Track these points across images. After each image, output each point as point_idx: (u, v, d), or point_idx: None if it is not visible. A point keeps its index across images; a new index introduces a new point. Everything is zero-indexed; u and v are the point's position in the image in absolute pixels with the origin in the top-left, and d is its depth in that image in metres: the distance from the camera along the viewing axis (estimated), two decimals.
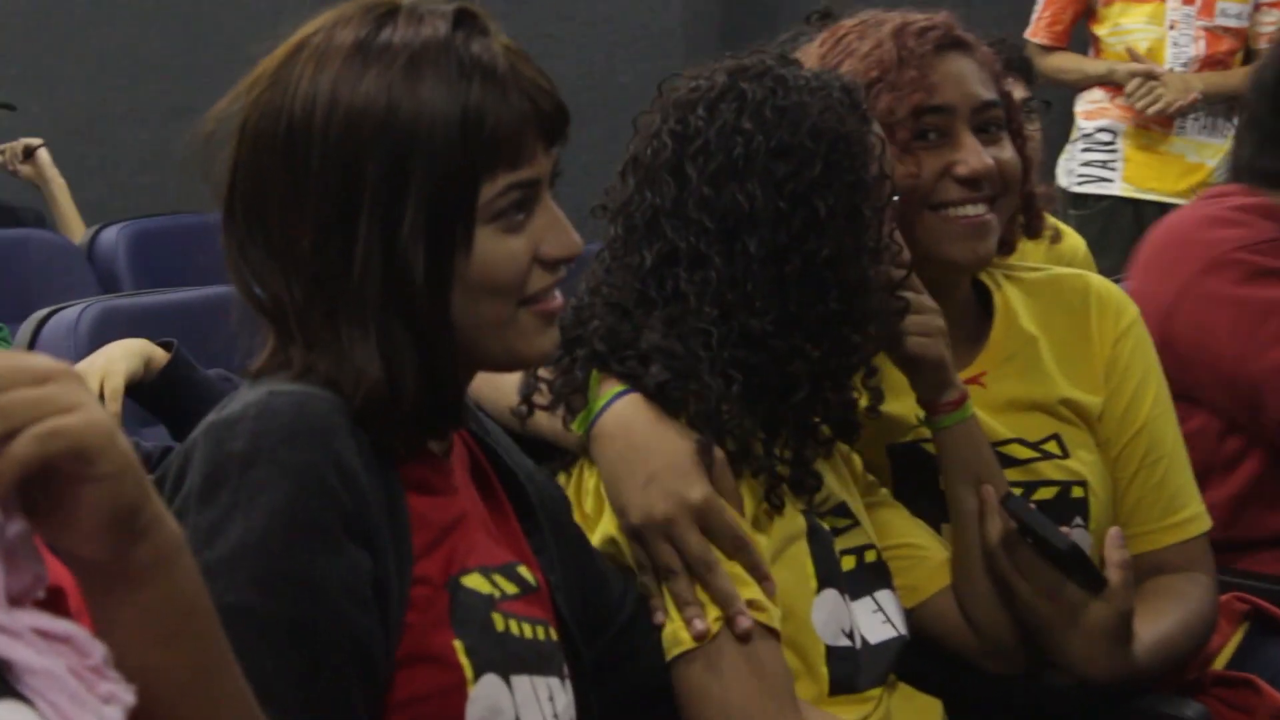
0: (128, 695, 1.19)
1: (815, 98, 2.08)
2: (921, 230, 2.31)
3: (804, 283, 2.04)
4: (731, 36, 6.18)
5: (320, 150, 1.63)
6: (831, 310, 2.06)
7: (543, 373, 2.07)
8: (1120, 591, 2.19)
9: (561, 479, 2.07)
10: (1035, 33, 5.64)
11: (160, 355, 2.67)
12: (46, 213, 5.54)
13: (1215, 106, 5.37)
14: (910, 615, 2.25)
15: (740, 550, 1.96)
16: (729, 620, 1.93)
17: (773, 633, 1.96)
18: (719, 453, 1.99)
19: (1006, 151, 2.37)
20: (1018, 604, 2.22)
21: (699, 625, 1.94)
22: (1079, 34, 5.64)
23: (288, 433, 1.58)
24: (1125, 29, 5.50)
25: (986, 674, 2.29)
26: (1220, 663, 2.53)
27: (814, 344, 2.06)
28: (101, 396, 2.60)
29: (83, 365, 2.62)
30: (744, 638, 1.93)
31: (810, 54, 2.34)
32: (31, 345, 3.03)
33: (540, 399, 2.06)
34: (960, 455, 2.26)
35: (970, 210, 2.33)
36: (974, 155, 2.31)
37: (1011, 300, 2.47)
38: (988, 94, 2.35)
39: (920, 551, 2.29)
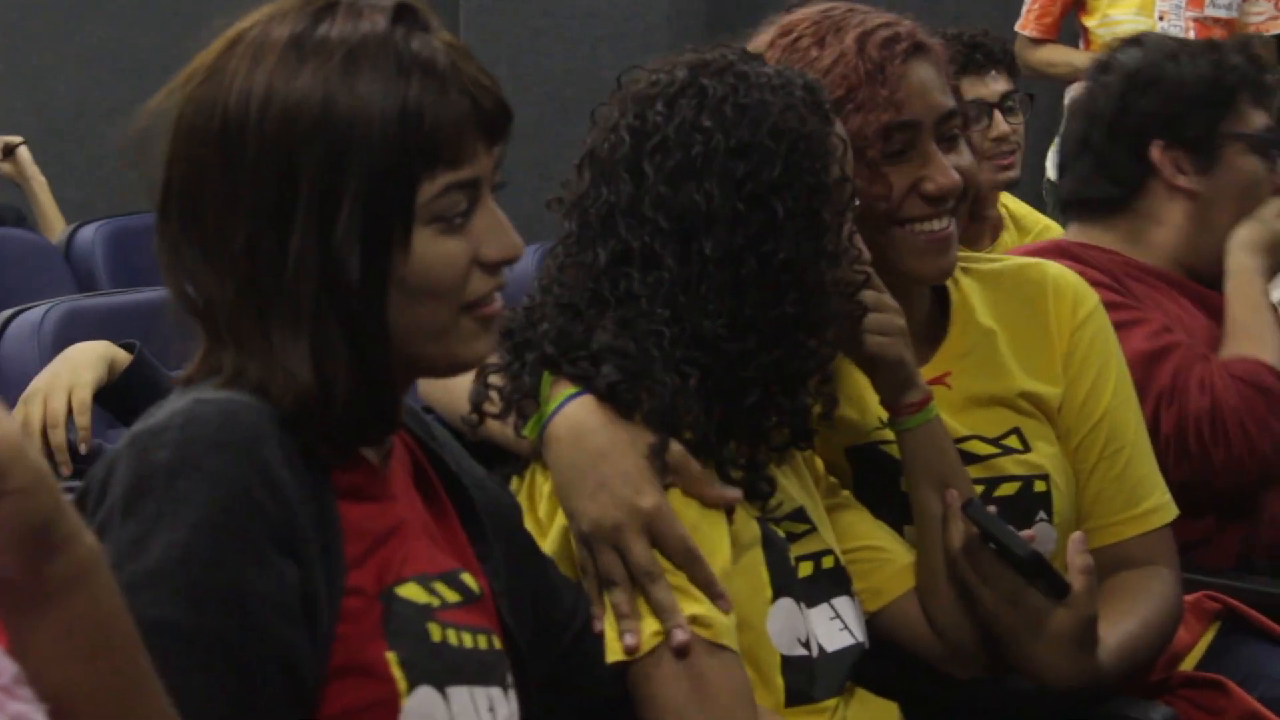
0: (38, 716, 1.17)
1: (777, 96, 2.03)
2: (886, 244, 2.27)
3: (761, 285, 2.00)
4: (717, 30, 6.13)
5: (255, 146, 1.59)
6: (788, 314, 2.02)
7: (493, 379, 2.03)
8: (1083, 597, 2.16)
9: (515, 484, 2.04)
10: (1025, 25, 5.62)
11: (123, 357, 2.64)
12: (28, 212, 5.51)
13: None
14: (873, 619, 2.22)
15: (691, 562, 1.93)
16: (666, 634, 1.90)
17: (722, 648, 1.92)
18: (676, 444, 1.96)
19: (965, 157, 2.33)
20: (980, 611, 2.19)
21: (630, 640, 1.91)
22: (1068, 26, 5.63)
23: (213, 442, 1.54)
24: (1114, 20, 5.48)
25: (949, 678, 2.25)
26: (1190, 663, 2.51)
27: (769, 348, 2.02)
28: (70, 410, 2.59)
29: (48, 377, 2.60)
30: (680, 652, 1.90)
31: (761, 50, 2.29)
32: None
33: (491, 407, 2.03)
34: (924, 457, 2.22)
35: (935, 225, 2.29)
36: (942, 173, 2.27)
37: (968, 294, 2.44)
38: (949, 101, 2.30)
39: (883, 554, 2.26)
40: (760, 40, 2.31)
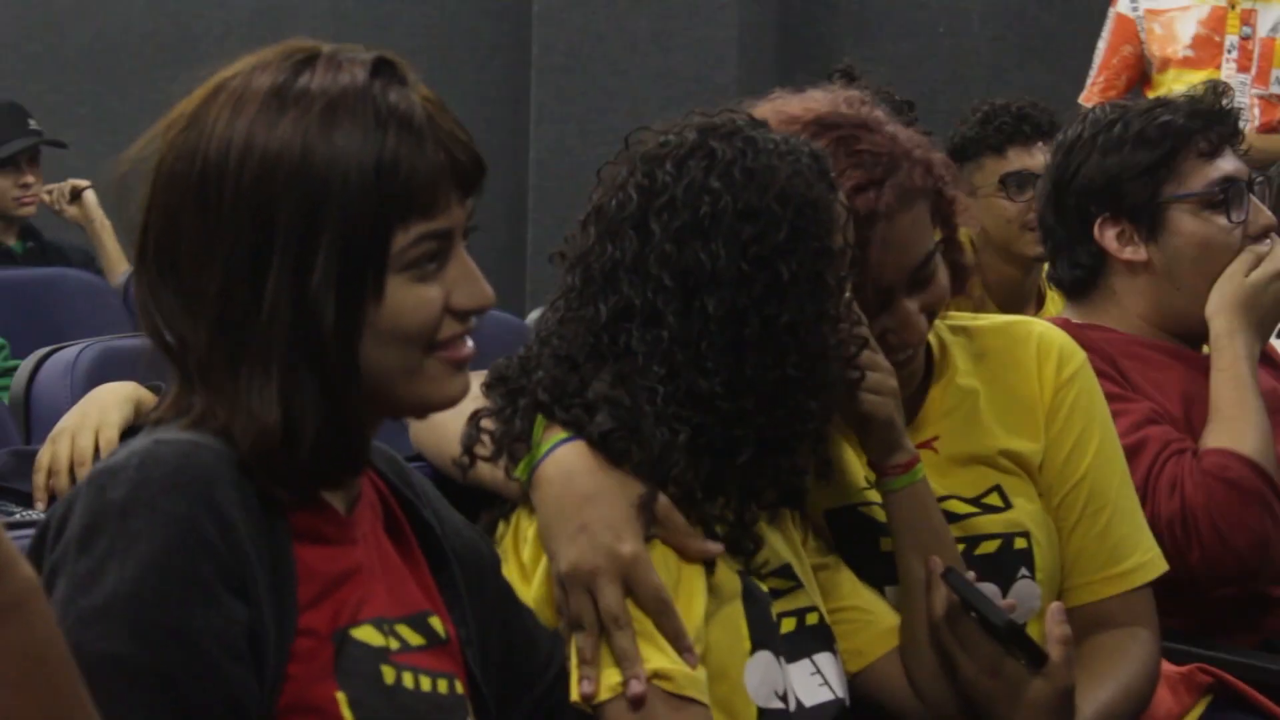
0: None
1: (784, 162, 2.06)
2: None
3: (763, 346, 2.03)
4: None
5: (233, 193, 1.63)
6: (790, 376, 2.04)
7: (485, 424, 2.06)
8: (1060, 668, 2.17)
9: (500, 528, 2.07)
10: (1089, 98, 5.62)
11: (148, 398, 2.68)
12: (96, 254, 5.60)
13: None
14: (856, 678, 2.23)
15: (663, 613, 1.95)
16: (624, 684, 1.93)
17: (686, 701, 1.95)
18: (663, 497, 1.99)
19: (942, 281, 2.31)
20: (960, 677, 2.20)
21: (586, 687, 1.94)
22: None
23: (168, 483, 1.57)
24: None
25: None
26: None
27: (766, 408, 2.04)
28: (97, 450, 2.63)
29: (76, 416, 2.63)
30: (635, 703, 1.92)
31: None
32: (29, 383, 3.05)
33: (482, 450, 2.05)
34: (910, 519, 2.24)
35: (906, 354, 2.30)
36: (909, 328, 2.28)
37: (953, 353, 2.44)
38: (925, 248, 2.28)
39: (866, 615, 2.27)
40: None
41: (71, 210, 5.55)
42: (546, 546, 2.00)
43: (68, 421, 2.64)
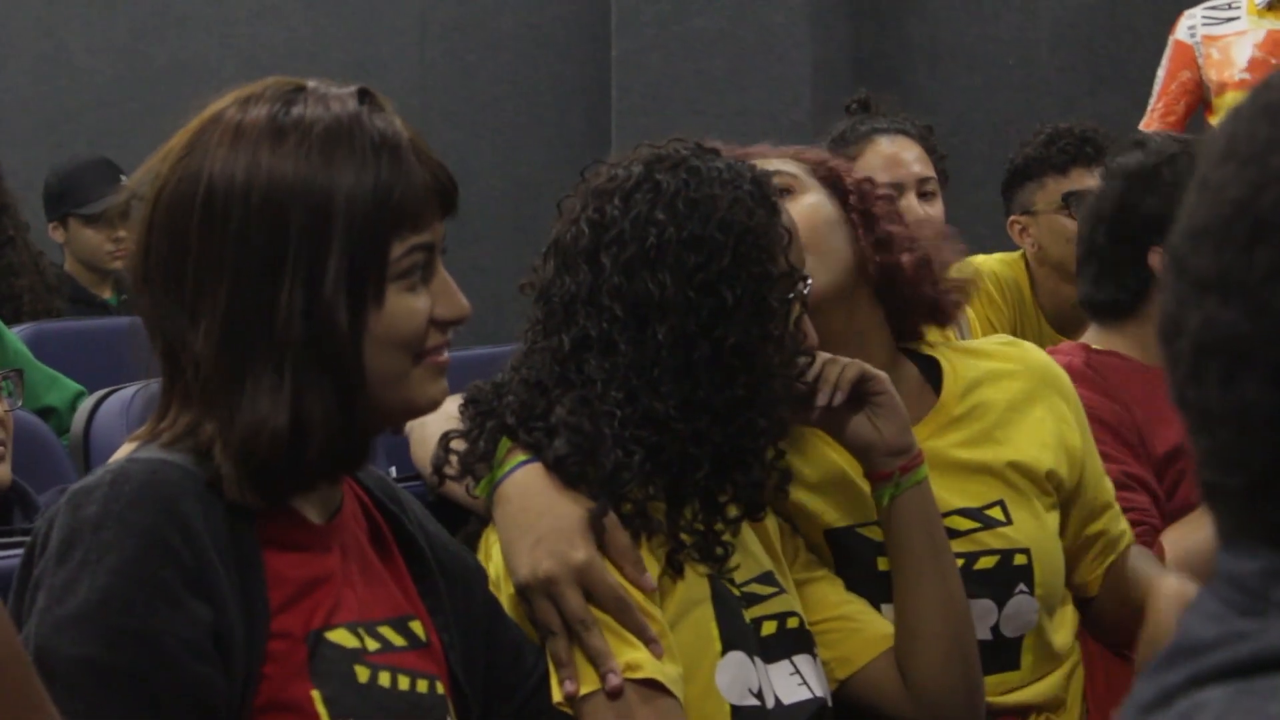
0: None
1: (726, 190, 2.17)
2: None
3: (712, 368, 2.14)
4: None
5: (241, 213, 1.77)
6: (739, 395, 2.16)
7: (454, 444, 2.20)
8: None
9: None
10: (1149, 124, 5.65)
11: None
12: None
13: None
14: (845, 685, 2.33)
15: (622, 611, 2.08)
16: (601, 679, 2.05)
17: (658, 688, 2.07)
18: (612, 515, 2.11)
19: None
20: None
21: (568, 687, 2.06)
22: (1197, 126, 5.66)
23: (135, 497, 1.71)
24: None
25: None
26: None
27: (719, 426, 2.15)
28: None
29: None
30: (613, 694, 2.05)
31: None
32: (88, 423, 3.23)
33: (450, 470, 2.19)
34: (916, 520, 2.32)
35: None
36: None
37: (959, 368, 2.54)
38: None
39: (853, 624, 2.36)
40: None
41: None
42: (506, 561, 2.12)
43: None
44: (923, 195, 3.99)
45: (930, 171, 4.03)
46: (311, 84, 1.85)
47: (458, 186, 1.88)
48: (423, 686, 1.88)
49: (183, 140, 1.83)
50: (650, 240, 2.15)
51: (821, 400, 2.27)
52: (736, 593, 2.24)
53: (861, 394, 2.30)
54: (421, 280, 1.83)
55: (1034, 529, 2.48)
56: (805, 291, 2.25)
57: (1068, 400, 2.56)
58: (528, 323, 2.24)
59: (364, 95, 1.85)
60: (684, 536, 2.19)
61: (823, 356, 2.30)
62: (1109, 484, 2.62)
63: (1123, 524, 2.62)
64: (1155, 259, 2.91)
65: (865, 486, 2.39)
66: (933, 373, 2.55)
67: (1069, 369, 2.75)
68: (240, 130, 1.80)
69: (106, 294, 5.78)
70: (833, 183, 2.51)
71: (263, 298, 1.77)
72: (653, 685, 2.07)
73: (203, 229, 1.78)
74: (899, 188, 4.01)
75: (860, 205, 2.48)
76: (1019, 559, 2.46)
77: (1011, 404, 2.53)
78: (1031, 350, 2.60)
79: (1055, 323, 4.46)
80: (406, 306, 1.82)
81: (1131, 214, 2.96)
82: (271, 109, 1.82)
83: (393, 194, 1.80)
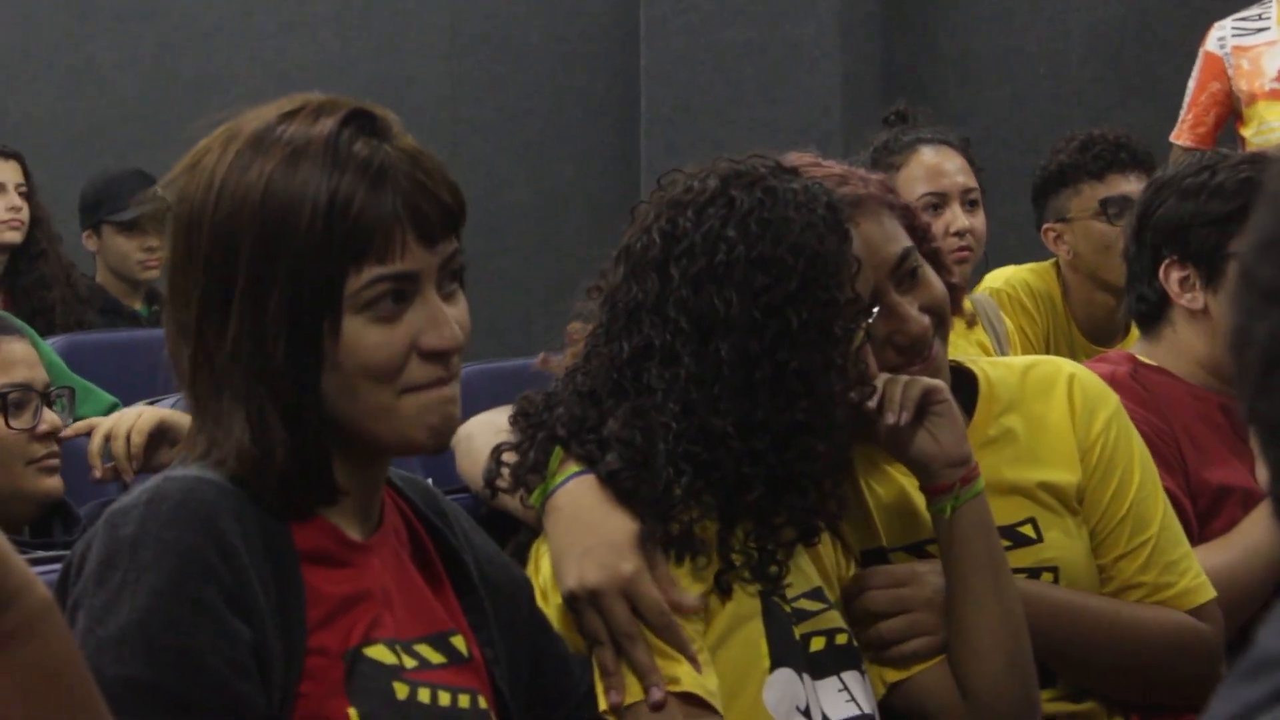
0: None
1: (800, 214, 2.15)
2: None
3: (773, 390, 2.13)
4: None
5: (209, 231, 1.76)
6: (798, 420, 2.14)
7: (505, 457, 2.20)
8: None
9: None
10: (1179, 135, 5.64)
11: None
12: None
13: None
14: (895, 690, 2.33)
15: (666, 627, 2.08)
16: (645, 691, 2.05)
17: (698, 702, 2.06)
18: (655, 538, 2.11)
19: (932, 279, 2.40)
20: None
21: (614, 697, 2.06)
22: (1228, 137, 5.65)
23: (172, 516, 1.70)
24: (1271, 126, 5.47)
25: None
26: None
27: (776, 449, 2.14)
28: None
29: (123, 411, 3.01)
30: (656, 707, 2.05)
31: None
32: None
33: (503, 483, 2.19)
34: (976, 532, 2.31)
35: (921, 357, 2.38)
36: (913, 323, 2.35)
37: (997, 389, 2.52)
38: (903, 243, 2.37)
39: None
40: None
41: None
42: (556, 571, 2.12)
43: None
44: (966, 205, 3.99)
45: (973, 182, 4.03)
46: (318, 101, 1.81)
47: (455, 216, 1.82)
48: (464, 702, 1.87)
49: (193, 152, 1.82)
50: (720, 256, 2.14)
51: (890, 420, 2.26)
52: (787, 609, 2.23)
53: (922, 407, 2.29)
54: (398, 310, 1.78)
55: (1065, 546, 2.48)
56: (870, 321, 2.24)
57: (1110, 424, 2.53)
58: (591, 326, 2.23)
59: (356, 115, 1.80)
60: (735, 557, 2.19)
61: (882, 376, 2.29)
62: (1157, 515, 2.54)
63: (1185, 582, 2.52)
64: (1164, 268, 2.91)
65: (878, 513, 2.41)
66: (968, 388, 2.53)
67: (1114, 378, 2.74)
68: (228, 146, 1.79)
69: (137, 305, 5.80)
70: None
71: (221, 321, 1.75)
72: (692, 699, 2.07)
73: (185, 247, 1.78)
74: (944, 197, 4.01)
75: (909, 221, 2.47)
76: (1046, 577, 2.46)
77: (1040, 424, 2.52)
78: (1065, 366, 2.58)
79: (1088, 331, 4.45)
80: (374, 338, 1.77)
81: (1149, 223, 2.94)
82: (261, 124, 1.79)
83: (347, 215, 1.74)
